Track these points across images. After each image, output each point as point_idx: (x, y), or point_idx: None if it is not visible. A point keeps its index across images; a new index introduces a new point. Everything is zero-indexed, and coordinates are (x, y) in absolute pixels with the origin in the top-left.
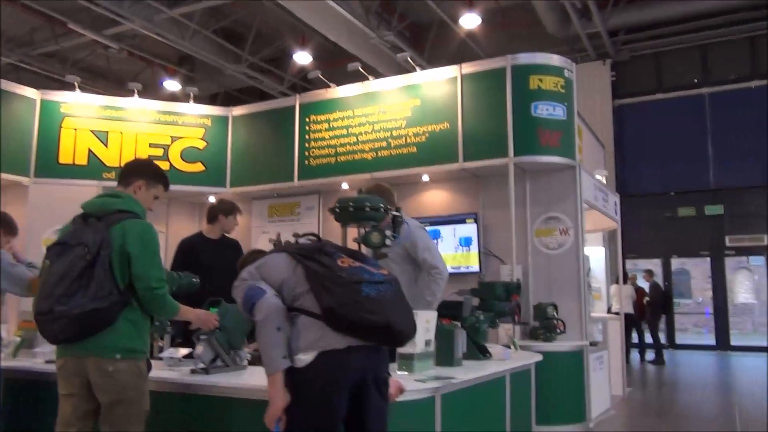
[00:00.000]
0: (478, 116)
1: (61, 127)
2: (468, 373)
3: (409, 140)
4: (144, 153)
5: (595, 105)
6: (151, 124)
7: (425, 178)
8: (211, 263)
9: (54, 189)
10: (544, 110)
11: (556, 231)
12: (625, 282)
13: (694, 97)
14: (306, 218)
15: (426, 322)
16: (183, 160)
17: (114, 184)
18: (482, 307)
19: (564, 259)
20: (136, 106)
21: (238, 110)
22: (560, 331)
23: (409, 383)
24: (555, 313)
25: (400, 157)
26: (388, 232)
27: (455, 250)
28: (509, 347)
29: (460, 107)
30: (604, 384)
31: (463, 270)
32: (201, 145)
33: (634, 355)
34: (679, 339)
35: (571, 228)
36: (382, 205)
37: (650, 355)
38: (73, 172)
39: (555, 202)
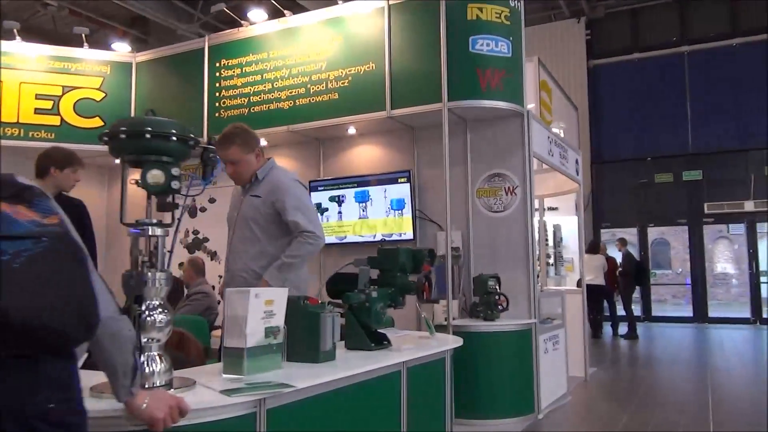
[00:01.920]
0: (407, 55)
1: None
2: (334, 371)
3: (330, 85)
4: (29, 106)
5: (568, 66)
6: (39, 72)
7: (351, 131)
8: None
9: None
10: (484, 46)
11: (501, 190)
12: (595, 252)
13: (672, 56)
14: (223, 180)
15: (266, 302)
16: (77, 114)
17: None
18: (383, 280)
19: (510, 222)
20: (20, 51)
21: (143, 55)
22: (502, 308)
23: (209, 396)
24: (497, 287)
25: (321, 105)
26: (176, 171)
27: (386, 215)
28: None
29: (387, 44)
30: (560, 366)
31: (395, 237)
32: (98, 96)
33: (607, 329)
34: (658, 311)
35: (518, 187)
36: (176, 132)
37: (623, 329)
38: None
39: (500, 157)
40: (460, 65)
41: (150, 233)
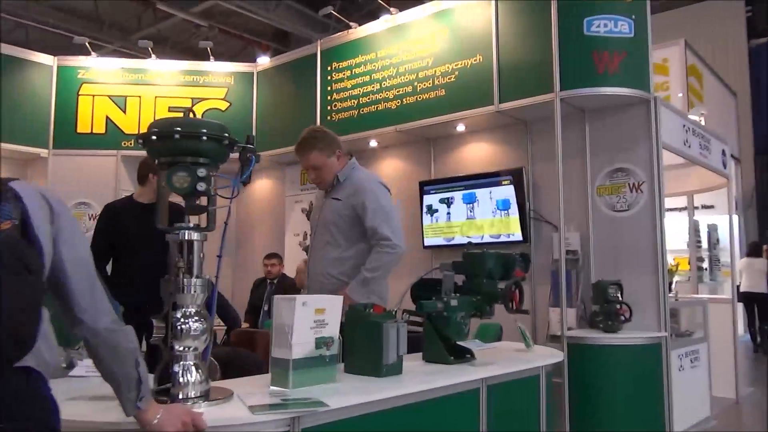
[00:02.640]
0: (517, 43)
1: (78, 94)
2: (395, 388)
3: (436, 82)
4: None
5: (725, 47)
6: (172, 86)
7: (460, 128)
8: (138, 233)
9: (73, 160)
10: (601, 27)
11: (625, 187)
12: (757, 255)
13: None
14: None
15: (316, 311)
16: None
17: (132, 153)
18: (468, 287)
19: (635, 223)
20: (156, 68)
21: (263, 65)
22: (624, 318)
23: (240, 411)
24: (619, 295)
25: (428, 103)
26: (202, 172)
27: (492, 215)
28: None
29: (494, 33)
30: (701, 386)
31: (503, 239)
32: (223, 105)
33: None
34: None
35: (644, 183)
36: (206, 132)
37: None
38: (91, 141)
39: (623, 150)
40: (574, 50)
41: (186, 237)
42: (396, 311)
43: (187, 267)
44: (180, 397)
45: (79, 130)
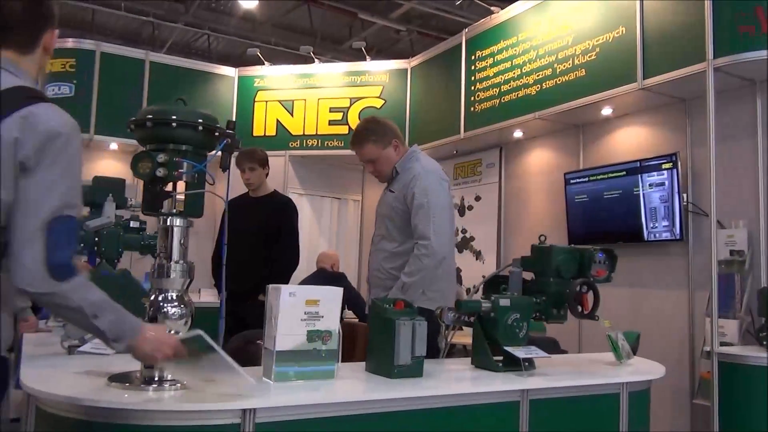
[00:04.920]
0: (663, 7)
1: (254, 101)
2: (400, 390)
3: (576, 61)
4: (324, 119)
5: None
6: (333, 88)
7: (606, 111)
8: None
9: None
10: None
11: None
12: None
13: None
14: (487, 177)
15: (308, 302)
16: None
17: (299, 153)
18: (535, 286)
19: None
20: (322, 72)
21: (416, 59)
22: None
23: (198, 397)
24: None
25: (567, 85)
26: (162, 158)
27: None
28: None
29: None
30: None
31: (655, 236)
32: (378, 103)
33: None
34: None
35: None
36: (177, 118)
37: None
38: (264, 143)
39: None
40: (730, 7)
41: (168, 223)
42: (440, 310)
43: (168, 252)
44: (155, 378)
45: (255, 133)
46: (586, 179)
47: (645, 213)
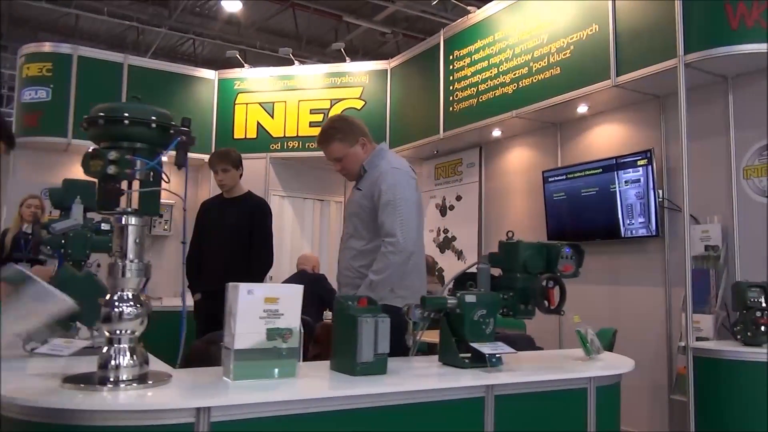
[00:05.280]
0: (635, 5)
1: (235, 103)
2: (359, 387)
3: (551, 59)
4: (305, 120)
5: None
6: (314, 89)
7: (582, 109)
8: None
9: None
10: None
11: None
12: None
13: None
14: (468, 177)
15: (266, 300)
16: None
17: (280, 155)
18: (502, 282)
19: None
20: (302, 73)
21: (396, 60)
22: (766, 329)
23: (163, 397)
24: (762, 300)
25: (543, 84)
26: (113, 155)
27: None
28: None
29: None
30: None
31: (629, 234)
32: (359, 104)
33: None
34: None
35: None
36: (128, 116)
37: None
38: (245, 146)
39: None
40: (701, 5)
41: (123, 222)
42: (408, 307)
43: (123, 251)
44: (111, 379)
45: (236, 136)
46: (564, 177)
47: (621, 210)
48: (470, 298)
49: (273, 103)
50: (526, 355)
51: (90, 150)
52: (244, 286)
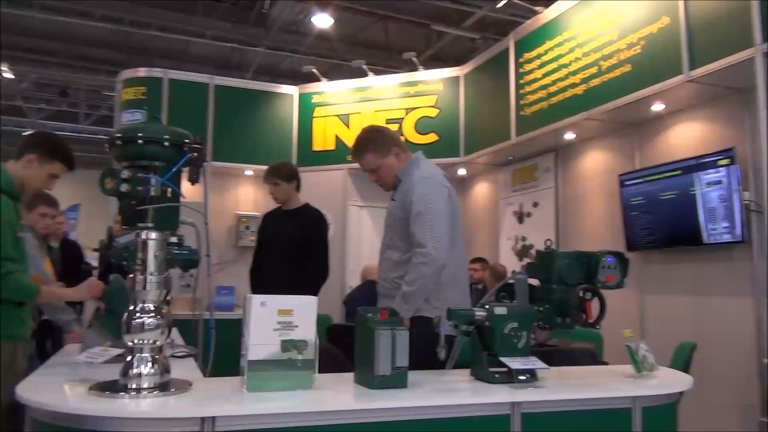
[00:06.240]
0: None
1: (313, 116)
2: (376, 401)
3: (621, 56)
4: None
5: None
6: (389, 99)
7: (658, 107)
8: (270, 238)
9: (310, 176)
10: None
11: None
12: None
13: None
14: (543, 182)
15: (280, 312)
16: (417, 132)
17: (357, 166)
18: (539, 293)
19: None
20: (378, 84)
21: (468, 66)
22: None
23: (174, 407)
24: None
25: (613, 83)
26: (125, 174)
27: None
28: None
29: None
30: None
31: (712, 240)
32: (433, 113)
33: None
34: None
35: None
36: (142, 135)
37: None
38: (324, 158)
39: None
40: None
41: (143, 237)
42: (438, 319)
43: (144, 265)
44: (132, 387)
45: (314, 148)
46: (642, 180)
47: (703, 214)
48: (500, 311)
49: (349, 114)
50: (566, 370)
51: (105, 169)
52: (257, 298)
